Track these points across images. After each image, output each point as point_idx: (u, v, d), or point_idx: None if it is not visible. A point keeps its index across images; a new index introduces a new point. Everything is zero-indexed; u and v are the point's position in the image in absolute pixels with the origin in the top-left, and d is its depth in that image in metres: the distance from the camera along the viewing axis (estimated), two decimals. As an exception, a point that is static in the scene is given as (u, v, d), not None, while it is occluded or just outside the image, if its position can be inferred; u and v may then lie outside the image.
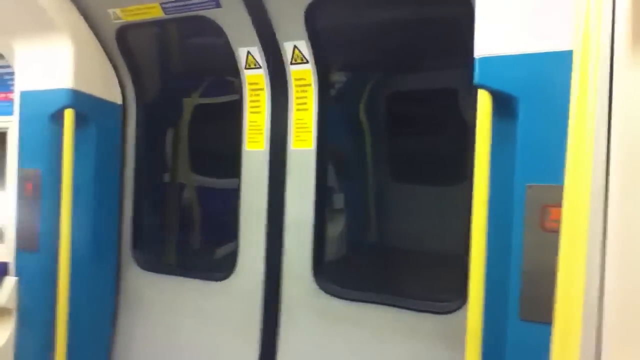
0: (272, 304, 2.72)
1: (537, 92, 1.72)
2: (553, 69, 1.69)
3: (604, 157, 1.68)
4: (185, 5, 2.66)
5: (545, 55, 1.71)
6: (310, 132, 2.60)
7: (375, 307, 2.48)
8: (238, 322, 2.81)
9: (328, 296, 2.59)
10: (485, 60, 1.80)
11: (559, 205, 1.46)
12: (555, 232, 1.51)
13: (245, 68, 2.72)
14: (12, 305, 2.87)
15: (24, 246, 2.87)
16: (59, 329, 2.74)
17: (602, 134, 1.67)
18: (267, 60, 2.65)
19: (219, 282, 2.87)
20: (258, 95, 2.73)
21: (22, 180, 2.86)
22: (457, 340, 2.07)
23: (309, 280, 2.62)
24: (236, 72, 2.76)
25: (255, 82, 2.72)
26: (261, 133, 2.73)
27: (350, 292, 2.57)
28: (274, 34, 2.57)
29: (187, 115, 3.38)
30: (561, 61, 1.64)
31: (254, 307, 2.75)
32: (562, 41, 1.67)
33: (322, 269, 2.65)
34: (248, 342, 2.78)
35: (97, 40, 2.97)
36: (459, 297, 2.23)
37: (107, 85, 3.04)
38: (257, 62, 2.67)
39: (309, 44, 2.53)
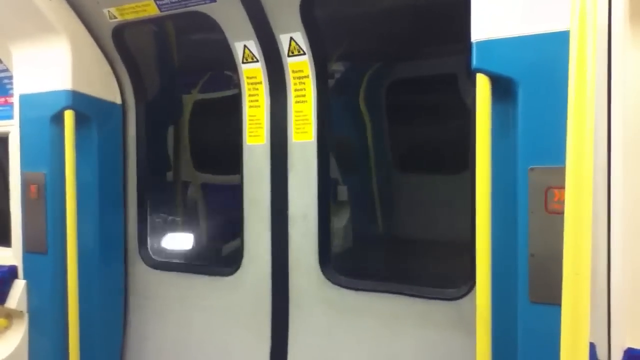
0: (280, 297, 2.72)
1: (536, 73, 1.71)
2: (551, 50, 1.67)
3: (605, 135, 1.68)
4: (180, 1, 2.65)
5: (542, 37, 1.70)
6: (311, 124, 2.59)
7: (383, 296, 2.48)
8: (248, 315, 2.83)
9: (336, 287, 2.59)
10: (483, 44, 1.78)
11: (562, 186, 1.45)
12: (560, 213, 1.50)
13: (243, 62, 2.71)
14: (23, 307, 2.90)
15: (31, 249, 2.89)
16: (70, 330, 2.77)
17: (602, 113, 1.67)
18: (264, 54, 2.64)
19: (226, 277, 2.88)
20: (257, 89, 2.72)
21: (26, 183, 2.87)
22: (468, 326, 2.08)
23: (316, 271, 2.62)
24: (234, 67, 2.75)
25: (253, 76, 2.71)
26: (261, 127, 2.72)
27: (358, 282, 2.57)
28: (270, 27, 2.55)
29: (187, 112, 3.38)
30: (559, 42, 1.63)
31: (263, 300, 2.76)
32: (559, 21, 1.66)
33: (328, 260, 2.65)
34: (259, 335, 2.79)
35: (94, 41, 2.96)
36: (467, 282, 2.23)
37: (106, 85, 3.04)
38: (254, 55, 2.66)
39: (305, 35, 2.51)
